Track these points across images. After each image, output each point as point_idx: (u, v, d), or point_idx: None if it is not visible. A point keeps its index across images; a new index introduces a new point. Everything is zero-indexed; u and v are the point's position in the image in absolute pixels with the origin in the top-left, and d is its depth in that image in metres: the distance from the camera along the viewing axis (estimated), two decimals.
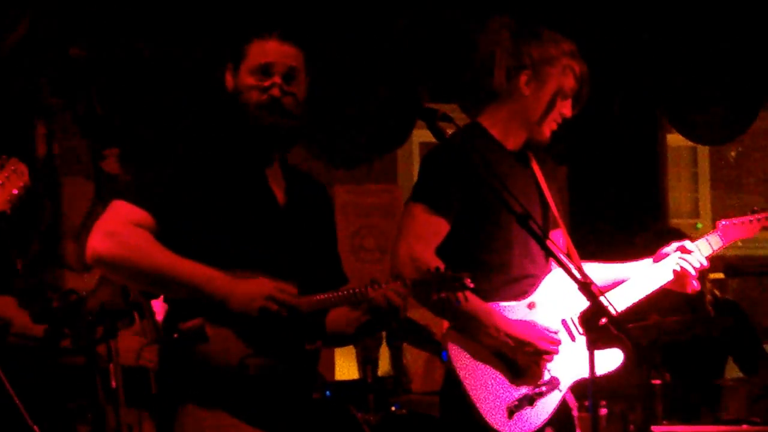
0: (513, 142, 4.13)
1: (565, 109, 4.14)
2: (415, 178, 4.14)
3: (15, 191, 4.00)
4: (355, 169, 6.63)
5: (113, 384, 4.42)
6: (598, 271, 4.19)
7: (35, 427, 2.69)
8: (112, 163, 5.03)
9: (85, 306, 4.41)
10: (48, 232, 5.07)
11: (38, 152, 4.99)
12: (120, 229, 3.45)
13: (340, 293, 3.59)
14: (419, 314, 4.88)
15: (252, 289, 3.45)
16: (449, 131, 3.64)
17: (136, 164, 5.48)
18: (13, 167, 4.02)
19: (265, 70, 3.60)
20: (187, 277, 3.45)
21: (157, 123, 5.86)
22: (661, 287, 4.21)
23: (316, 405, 3.76)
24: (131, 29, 5.95)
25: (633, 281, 4.19)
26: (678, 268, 4.20)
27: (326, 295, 3.56)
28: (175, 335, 3.45)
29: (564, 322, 4.03)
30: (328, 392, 5.40)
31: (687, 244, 4.23)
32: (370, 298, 3.55)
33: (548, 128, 4.13)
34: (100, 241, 3.45)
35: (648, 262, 4.26)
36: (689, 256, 4.24)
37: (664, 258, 4.24)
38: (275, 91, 3.59)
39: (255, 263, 3.52)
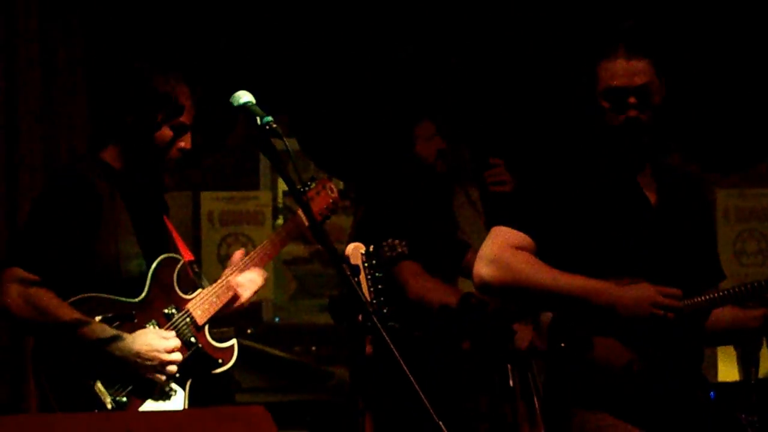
0: None
1: None
2: None
3: (324, 205, 4.34)
4: (734, 174, 6.57)
5: (510, 383, 4.67)
6: None
7: (441, 423, 2.97)
8: (499, 173, 5.19)
9: (486, 309, 4.63)
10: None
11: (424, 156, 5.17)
12: (502, 255, 3.66)
13: (724, 292, 3.67)
14: None
15: (636, 295, 3.56)
16: None
17: (520, 175, 5.65)
18: (323, 185, 4.36)
19: (616, 95, 3.64)
20: (572, 292, 3.62)
21: (538, 131, 6.01)
22: None
23: (700, 406, 3.82)
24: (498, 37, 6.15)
25: None
26: None
27: (710, 296, 3.66)
28: (562, 344, 3.66)
29: None
30: (712, 393, 5.44)
31: None
32: (762, 291, 3.62)
33: None
34: (484, 268, 3.68)
35: None
36: None
37: None
38: (631, 113, 3.65)
39: (634, 268, 3.65)
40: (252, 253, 4.26)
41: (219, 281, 4.17)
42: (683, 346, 3.69)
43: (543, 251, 3.69)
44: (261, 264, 4.23)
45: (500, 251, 3.68)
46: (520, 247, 3.68)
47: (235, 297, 4.17)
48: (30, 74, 5.55)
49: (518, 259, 3.65)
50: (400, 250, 4.40)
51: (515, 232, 3.70)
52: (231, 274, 4.17)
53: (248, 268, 4.19)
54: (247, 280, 4.19)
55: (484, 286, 3.72)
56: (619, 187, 3.75)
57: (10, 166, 5.47)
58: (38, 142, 5.55)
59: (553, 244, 3.69)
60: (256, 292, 4.26)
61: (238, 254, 4.25)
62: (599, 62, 3.66)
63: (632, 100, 3.63)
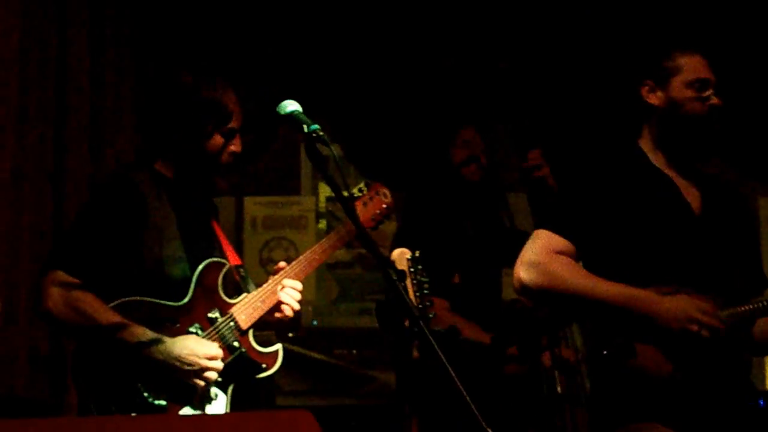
0: None
1: None
2: None
3: (377, 211, 4.30)
4: None
5: (558, 389, 4.66)
6: None
7: (488, 429, 2.93)
8: (536, 158, 5.14)
9: (531, 315, 4.62)
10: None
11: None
12: (542, 259, 3.66)
13: (759, 305, 3.63)
14: None
15: (674, 308, 3.55)
16: None
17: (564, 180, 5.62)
18: (376, 190, 4.32)
19: (703, 84, 3.73)
20: (610, 299, 3.61)
21: (577, 135, 6.00)
22: None
23: (749, 414, 3.78)
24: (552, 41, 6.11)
25: None
26: None
27: (748, 307, 3.63)
28: (604, 352, 3.63)
29: None
30: (761, 401, 5.38)
31: None
32: None
33: None
34: (524, 271, 3.69)
35: None
36: None
37: None
38: (714, 101, 3.73)
39: (677, 276, 3.65)
40: (300, 258, 4.23)
41: (264, 286, 4.14)
42: (725, 355, 3.66)
43: (584, 257, 3.69)
44: (309, 269, 4.20)
45: (540, 255, 3.68)
46: (560, 252, 3.68)
47: (279, 303, 4.14)
48: (79, 87, 5.59)
49: (558, 264, 3.65)
50: None
51: (557, 236, 3.70)
52: (278, 280, 4.15)
53: (296, 274, 4.16)
54: (289, 296, 4.13)
55: (523, 290, 3.73)
56: (662, 195, 3.75)
57: (58, 176, 5.49)
58: (86, 153, 5.60)
59: (595, 249, 3.69)
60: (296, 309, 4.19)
61: (283, 263, 4.22)
62: (675, 54, 3.75)
63: (712, 91, 3.73)
